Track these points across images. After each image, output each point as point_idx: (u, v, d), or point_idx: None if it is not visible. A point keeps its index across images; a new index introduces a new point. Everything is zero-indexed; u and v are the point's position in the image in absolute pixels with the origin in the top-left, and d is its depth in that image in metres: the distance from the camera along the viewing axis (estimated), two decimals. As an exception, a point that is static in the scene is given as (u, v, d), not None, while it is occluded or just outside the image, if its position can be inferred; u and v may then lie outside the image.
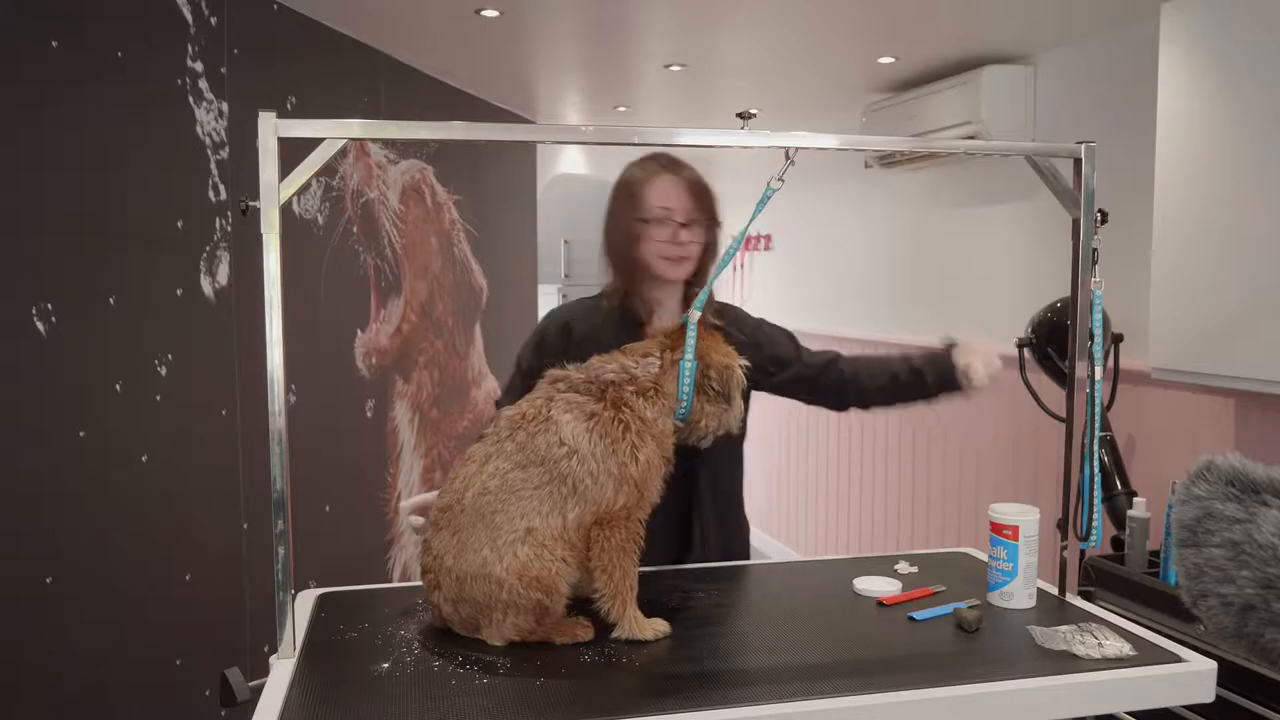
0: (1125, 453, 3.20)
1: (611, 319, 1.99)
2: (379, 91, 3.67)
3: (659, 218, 1.92)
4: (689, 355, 1.64)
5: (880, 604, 1.79)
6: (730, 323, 2.00)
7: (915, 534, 4.55)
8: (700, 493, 2.02)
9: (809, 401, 2.15)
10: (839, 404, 2.12)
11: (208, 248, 2.74)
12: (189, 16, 2.67)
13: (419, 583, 1.71)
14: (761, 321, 2.12)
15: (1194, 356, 2.74)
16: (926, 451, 4.44)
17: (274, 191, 1.48)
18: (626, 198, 1.96)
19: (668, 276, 1.96)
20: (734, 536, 2.12)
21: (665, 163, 1.97)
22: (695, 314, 1.67)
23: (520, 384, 2.00)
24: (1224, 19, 2.63)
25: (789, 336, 2.13)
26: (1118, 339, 3.11)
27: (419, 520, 1.77)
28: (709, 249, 2.00)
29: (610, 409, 1.59)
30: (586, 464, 1.56)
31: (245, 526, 2.88)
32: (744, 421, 2.04)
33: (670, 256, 1.94)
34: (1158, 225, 2.84)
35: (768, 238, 5.80)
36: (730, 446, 1.99)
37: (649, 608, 1.66)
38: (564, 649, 1.57)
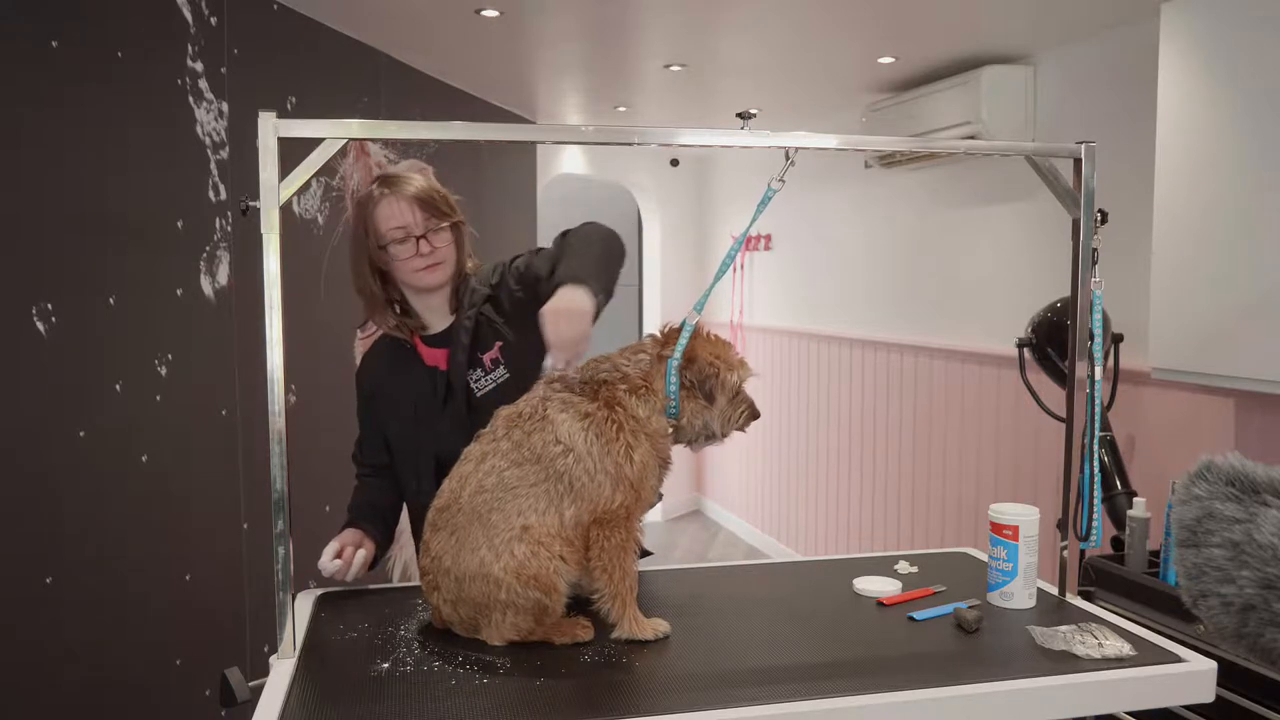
0: (1125, 453, 3.20)
1: (392, 345, 2.03)
2: (379, 91, 3.67)
3: (398, 239, 1.92)
4: (676, 354, 1.63)
5: (880, 604, 1.79)
6: (485, 279, 2.02)
7: (915, 534, 4.55)
8: None
9: None
10: None
11: (208, 248, 2.74)
12: (189, 16, 2.67)
13: (419, 583, 1.71)
14: (507, 265, 2.07)
15: (1194, 356, 2.74)
16: (927, 451, 4.44)
17: (274, 191, 1.49)
18: (362, 231, 1.97)
19: (428, 285, 1.97)
20: None
21: (385, 185, 1.97)
22: (694, 315, 1.66)
23: (365, 436, 2.06)
24: (1224, 19, 2.63)
25: (536, 263, 2.03)
26: (1118, 339, 3.11)
27: (335, 565, 1.80)
28: (458, 245, 2.01)
29: (604, 408, 1.59)
30: (583, 462, 1.56)
31: (245, 526, 2.88)
32: (514, 381, 2.00)
33: (422, 268, 1.94)
34: (1158, 225, 2.84)
35: (768, 238, 5.80)
36: None
37: (649, 607, 1.66)
38: (564, 649, 1.57)
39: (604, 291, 1.80)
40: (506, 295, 2.00)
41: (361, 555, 1.84)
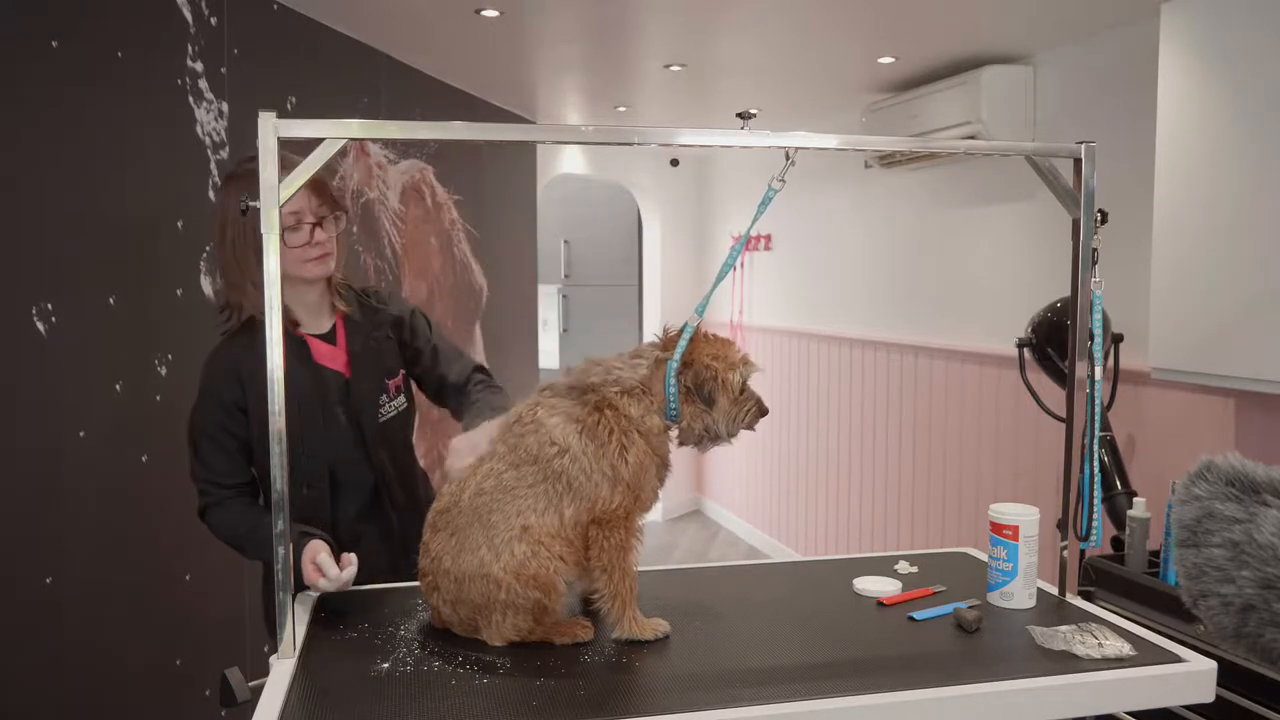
0: (1125, 453, 3.20)
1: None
2: (379, 91, 3.67)
3: (291, 225, 1.80)
4: (675, 356, 1.62)
5: (880, 604, 1.79)
6: (383, 299, 2.03)
7: (915, 534, 4.55)
8: (394, 505, 2.02)
9: (431, 399, 2.13)
10: (450, 412, 2.09)
11: (208, 248, 2.74)
12: (189, 16, 2.67)
13: (418, 583, 1.71)
14: (416, 309, 2.09)
15: (1194, 356, 2.74)
16: (927, 451, 4.44)
17: (274, 191, 1.48)
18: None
19: (316, 276, 1.88)
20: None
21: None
22: (695, 318, 1.65)
23: (223, 450, 1.86)
24: (1224, 19, 2.63)
25: (430, 333, 2.09)
26: (1118, 339, 3.11)
27: (350, 573, 1.72)
28: (340, 238, 1.95)
29: (594, 412, 1.58)
30: (579, 462, 1.56)
31: (245, 526, 2.87)
32: (410, 411, 2.06)
33: (314, 258, 1.85)
34: (1158, 225, 2.84)
35: (768, 238, 5.80)
36: (402, 451, 2.04)
37: (649, 608, 1.66)
38: (564, 649, 1.57)
39: None
40: (410, 333, 2.02)
41: (356, 560, 1.75)
